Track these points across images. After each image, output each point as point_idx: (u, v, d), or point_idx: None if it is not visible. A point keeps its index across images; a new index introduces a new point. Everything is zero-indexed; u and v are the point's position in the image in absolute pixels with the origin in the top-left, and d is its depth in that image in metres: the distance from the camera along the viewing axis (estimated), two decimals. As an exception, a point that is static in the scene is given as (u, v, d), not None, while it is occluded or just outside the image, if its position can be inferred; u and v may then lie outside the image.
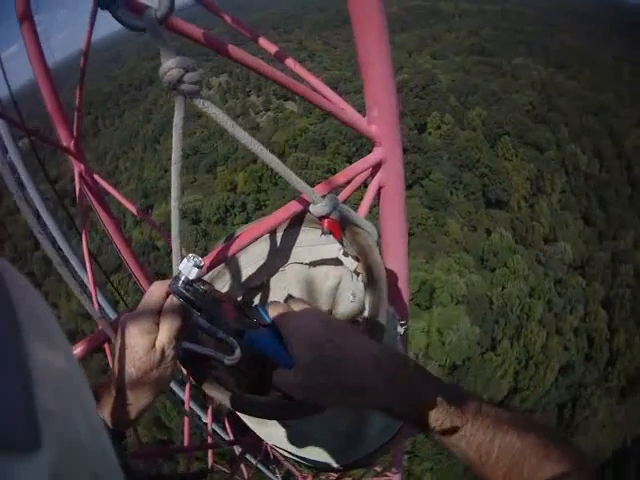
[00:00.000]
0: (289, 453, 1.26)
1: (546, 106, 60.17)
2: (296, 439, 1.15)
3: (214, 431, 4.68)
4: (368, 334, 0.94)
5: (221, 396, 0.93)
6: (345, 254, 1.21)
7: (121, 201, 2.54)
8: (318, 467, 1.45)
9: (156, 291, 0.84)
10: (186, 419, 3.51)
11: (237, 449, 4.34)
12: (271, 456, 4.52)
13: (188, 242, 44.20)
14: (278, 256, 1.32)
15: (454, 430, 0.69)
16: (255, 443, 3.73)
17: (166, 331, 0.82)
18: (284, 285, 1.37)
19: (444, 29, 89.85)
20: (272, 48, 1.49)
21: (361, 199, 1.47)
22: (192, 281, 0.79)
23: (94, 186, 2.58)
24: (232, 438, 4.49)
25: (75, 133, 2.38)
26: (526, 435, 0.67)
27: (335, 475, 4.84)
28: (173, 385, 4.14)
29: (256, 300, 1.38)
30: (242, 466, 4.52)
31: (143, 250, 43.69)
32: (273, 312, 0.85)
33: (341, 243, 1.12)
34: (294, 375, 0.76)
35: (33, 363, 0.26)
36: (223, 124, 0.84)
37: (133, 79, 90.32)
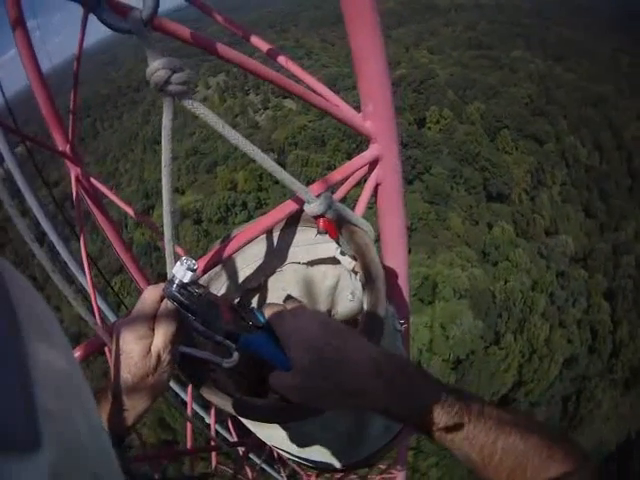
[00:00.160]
0: (290, 454, 1.25)
1: (545, 99, 59.96)
2: (297, 440, 1.14)
3: (217, 431, 4.68)
4: (366, 334, 0.93)
5: (219, 400, 0.92)
6: (342, 253, 1.20)
7: (118, 203, 2.53)
8: (320, 468, 1.45)
9: (150, 296, 0.83)
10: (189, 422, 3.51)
11: (241, 450, 4.34)
12: (276, 456, 4.53)
13: (190, 242, 44.27)
14: (275, 256, 1.31)
15: (456, 432, 0.69)
16: (259, 443, 3.72)
17: (161, 336, 0.82)
18: (282, 286, 1.36)
19: (441, 23, 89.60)
20: (265, 46, 1.48)
21: (359, 196, 1.45)
22: (186, 284, 0.79)
23: (91, 189, 2.57)
24: (236, 439, 4.49)
25: (70, 137, 2.38)
26: (529, 436, 0.66)
27: (339, 474, 4.84)
28: (176, 388, 4.13)
29: (254, 301, 1.36)
30: (246, 466, 4.53)
31: (145, 251, 43.70)
32: (269, 314, 0.84)
33: (337, 242, 1.11)
34: (292, 378, 0.75)
35: (33, 363, 0.26)
36: (213, 124, 0.83)
37: (131, 81, 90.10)
